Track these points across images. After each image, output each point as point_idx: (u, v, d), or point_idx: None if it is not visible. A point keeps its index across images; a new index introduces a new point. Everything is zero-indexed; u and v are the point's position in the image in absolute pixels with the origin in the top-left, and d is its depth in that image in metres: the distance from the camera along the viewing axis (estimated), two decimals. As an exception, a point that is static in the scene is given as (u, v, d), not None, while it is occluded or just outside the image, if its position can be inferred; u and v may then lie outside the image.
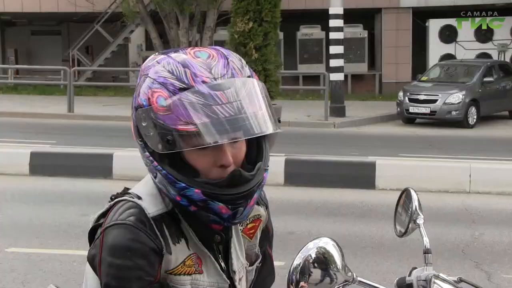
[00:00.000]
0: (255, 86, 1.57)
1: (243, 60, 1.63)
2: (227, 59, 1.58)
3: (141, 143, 1.59)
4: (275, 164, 9.88)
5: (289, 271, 1.72)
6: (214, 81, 1.52)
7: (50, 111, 18.95)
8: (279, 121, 1.67)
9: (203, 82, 1.52)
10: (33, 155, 10.44)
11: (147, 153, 1.59)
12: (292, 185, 9.60)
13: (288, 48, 26.08)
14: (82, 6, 25.13)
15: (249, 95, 1.53)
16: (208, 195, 1.55)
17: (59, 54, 30.60)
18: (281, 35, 23.20)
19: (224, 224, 1.62)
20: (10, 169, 10.24)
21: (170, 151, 1.53)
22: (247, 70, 1.60)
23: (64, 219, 7.64)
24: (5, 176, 10.08)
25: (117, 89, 24.55)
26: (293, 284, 1.71)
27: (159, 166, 1.57)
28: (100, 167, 10.14)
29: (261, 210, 1.82)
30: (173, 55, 1.59)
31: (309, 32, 26.80)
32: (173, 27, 22.34)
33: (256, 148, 1.63)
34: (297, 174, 9.82)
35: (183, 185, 1.55)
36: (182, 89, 1.52)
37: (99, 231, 1.62)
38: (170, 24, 22.35)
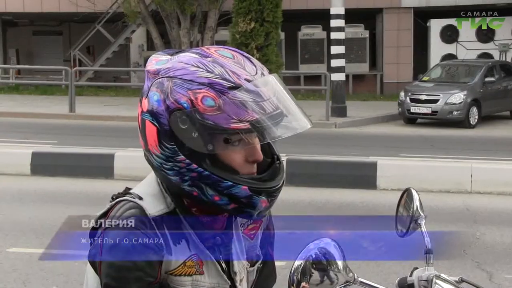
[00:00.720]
0: (278, 79, 1.62)
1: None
2: (249, 58, 1.61)
3: (172, 147, 1.56)
4: (276, 164, 9.88)
5: (290, 272, 1.72)
6: (255, 79, 1.55)
7: (52, 111, 18.95)
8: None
9: (246, 80, 1.54)
10: (35, 155, 10.45)
11: (181, 157, 1.56)
12: (293, 185, 9.59)
13: (289, 48, 26.08)
14: (84, 6, 25.14)
15: (282, 89, 1.59)
16: (254, 190, 1.57)
17: (61, 54, 30.63)
18: (282, 35, 23.20)
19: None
20: (11, 169, 10.25)
21: (223, 150, 1.54)
22: (266, 69, 1.63)
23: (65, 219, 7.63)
24: (6, 176, 10.08)
25: (118, 89, 24.56)
26: (294, 284, 1.71)
27: (199, 168, 1.56)
28: (101, 167, 10.14)
29: None
30: (193, 54, 1.58)
31: (310, 32, 26.80)
32: (174, 27, 22.34)
33: (267, 144, 1.66)
34: (298, 174, 9.81)
35: (230, 183, 1.56)
36: (231, 88, 1.52)
37: (99, 231, 1.62)
38: (172, 24, 22.36)
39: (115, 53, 27.08)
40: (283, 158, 9.21)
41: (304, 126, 1.58)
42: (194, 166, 1.55)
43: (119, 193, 1.67)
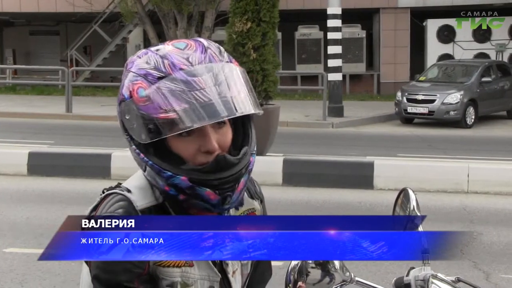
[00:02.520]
0: (234, 70, 1.59)
1: (221, 47, 1.65)
2: (205, 46, 1.61)
3: (127, 137, 1.62)
4: (273, 164, 9.90)
5: (287, 271, 1.72)
6: (191, 68, 1.55)
7: (48, 111, 18.94)
8: (262, 105, 1.72)
9: (180, 69, 1.55)
10: (31, 155, 10.44)
11: (133, 147, 1.62)
12: (290, 185, 9.60)
13: (286, 48, 26.08)
14: (80, 6, 25.11)
15: (227, 79, 1.56)
16: (194, 181, 1.56)
17: (57, 54, 30.59)
18: (279, 35, 23.19)
19: (215, 211, 1.62)
20: (8, 169, 10.24)
21: (153, 140, 1.55)
22: (225, 57, 1.62)
23: (63, 219, 7.62)
24: (3, 176, 10.08)
25: (115, 89, 24.48)
26: (291, 284, 1.72)
27: (145, 158, 1.59)
28: (98, 167, 10.14)
29: (255, 204, 1.84)
30: (152, 48, 1.63)
31: (307, 32, 26.79)
32: (171, 27, 22.34)
33: (243, 134, 1.65)
34: (295, 174, 9.82)
35: (170, 173, 1.57)
36: (160, 78, 1.54)
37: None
38: (169, 24, 22.35)
39: (112, 53, 27.05)
40: (280, 158, 9.20)
41: (243, 111, 1.54)
42: (141, 155, 1.60)
43: (110, 187, 1.69)
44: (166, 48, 1.61)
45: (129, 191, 1.65)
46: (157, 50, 1.61)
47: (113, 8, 25.76)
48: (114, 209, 1.61)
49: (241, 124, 1.65)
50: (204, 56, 1.58)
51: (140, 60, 1.60)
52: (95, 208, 1.66)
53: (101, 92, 24.12)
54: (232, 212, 1.76)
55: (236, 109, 1.54)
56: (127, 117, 1.59)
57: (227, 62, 1.61)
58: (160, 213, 1.64)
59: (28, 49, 31.33)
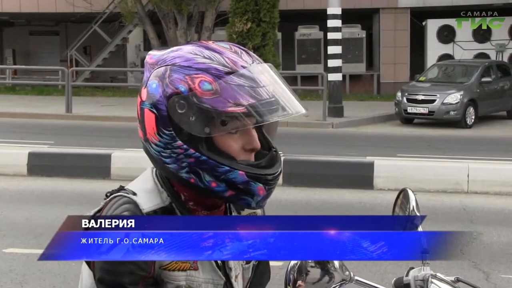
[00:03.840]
0: (275, 71, 1.65)
1: None
2: (243, 49, 1.65)
3: (170, 132, 1.59)
4: (273, 164, 9.89)
5: (287, 271, 1.72)
6: (251, 66, 1.59)
7: (48, 111, 18.94)
8: None
9: (242, 66, 1.58)
10: (31, 156, 10.44)
11: (178, 142, 1.58)
12: (290, 185, 9.59)
13: (286, 48, 26.07)
14: (80, 6, 25.11)
15: (278, 78, 1.62)
16: (251, 176, 1.59)
17: (57, 54, 30.59)
18: (279, 35, 23.21)
19: (254, 207, 1.66)
20: (8, 170, 10.24)
21: (219, 133, 1.57)
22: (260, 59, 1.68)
23: (62, 220, 7.61)
24: (3, 176, 10.08)
25: (115, 89, 24.54)
26: (291, 283, 1.72)
27: (196, 153, 1.58)
28: (98, 167, 10.14)
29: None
30: (191, 46, 1.64)
31: (307, 32, 26.79)
32: (171, 27, 22.34)
33: (261, 134, 1.68)
34: (296, 174, 9.82)
35: (227, 168, 1.58)
36: (228, 73, 1.56)
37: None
38: (168, 24, 22.36)
39: (112, 53, 27.05)
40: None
41: (298, 111, 1.61)
42: (191, 151, 1.58)
43: (113, 190, 1.68)
44: (213, 46, 1.63)
45: (134, 194, 1.64)
46: (204, 47, 1.62)
47: (113, 8, 25.76)
48: (119, 212, 1.60)
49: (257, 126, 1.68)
50: (252, 57, 1.62)
51: (191, 55, 1.60)
52: (99, 211, 1.66)
53: (101, 92, 24.12)
54: (234, 214, 1.77)
55: (297, 107, 1.61)
56: (181, 111, 1.56)
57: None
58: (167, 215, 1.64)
59: (28, 49, 31.34)
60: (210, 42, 1.65)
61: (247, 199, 1.61)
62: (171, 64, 1.60)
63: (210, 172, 1.58)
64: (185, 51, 1.61)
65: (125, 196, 1.63)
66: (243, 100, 1.54)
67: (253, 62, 1.60)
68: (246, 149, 1.61)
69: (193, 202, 1.67)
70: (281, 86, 1.61)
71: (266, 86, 1.57)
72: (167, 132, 1.59)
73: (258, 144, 1.61)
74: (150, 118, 1.61)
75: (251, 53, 1.65)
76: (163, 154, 1.61)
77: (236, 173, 1.58)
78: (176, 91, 1.57)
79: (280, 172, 1.66)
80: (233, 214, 1.77)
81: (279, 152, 1.70)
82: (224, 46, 1.63)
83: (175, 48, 1.65)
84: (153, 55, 1.66)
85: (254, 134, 1.61)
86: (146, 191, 1.65)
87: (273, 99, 1.56)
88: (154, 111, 1.59)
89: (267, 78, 1.58)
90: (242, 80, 1.55)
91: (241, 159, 1.60)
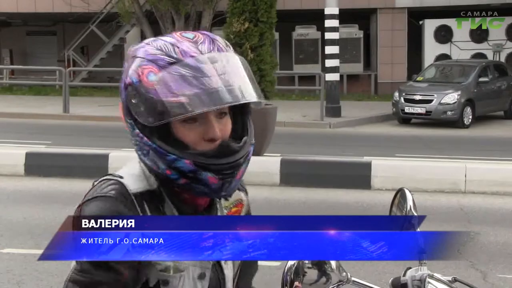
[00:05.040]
0: (240, 61, 1.66)
1: (226, 41, 1.70)
2: (211, 38, 1.67)
3: (130, 121, 1.65)
4: (271, 164, 9.90)
5: (284, 272, 1.73)
6: (201, 55, 1.60)
7: (46, 111, 18.92)
8: (266, 97, 1.79)
9: (191, 56, 1.60)
10: (29, 156, 10.43)
11: (136, 131, 1.64)
12: (287, 185, 9.60)
13: (284, 48, 26.08)
14: (78, 6, 25.09)
15: (234, 69, 1.62)
16: (198, 165, 1.60)
17: (55, 54, 30.58)
18: (276, 35, 23.18)
19: (212, 196, 1.67)
20: (5, 170, 10.24)
21: (160, 122, 1.59)
22: (231, 48, 1.68)
23: (60, 220, 7.56)
24: (0, 176, 10.07)
25: (112, 89, 24.50)
26: (288, 284, 1.72)
27: (149, 141, 1.62)
28: (96, 167, 10.11)
29: (242, 195, 1.87)
30: (161, 37, 1.69)
31: (304, 32, 26.80)
32: (168, 27, 22.33)
33: (242, 125, 1.70)
34: (293, 174, 9.82)
35: (174, 156, 1.61)
36: (172, 63, 1.59)
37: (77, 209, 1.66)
38: (166, 24, 22.35)
39: (109, 53, 27.04)
40: (277, 158, 9.19)
41: (249, 99, 1.61)
42: (146, 139, 1.63)
43: (100, 178, 1.71)
44: (176, 37, 1.66)
45: (121, 177, 1.67)
46: (166, 38, 1.67)
47: (110, 8, 25.74)
48: (107, 191, 1.63)
49: (240, 117, 1.70)
50: (213, 46, 1.63)
51: (149, 47, 1.65)
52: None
53: (98, 92, 24.10)
54: (222, 202, 1.79)
55: (241, 96, 1.59)
56: (133, 101, 1.62)
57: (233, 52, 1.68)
58: (154, 199, 1.66)
59: (25, 50, 31.31)
60: (179, 32, 1.68)
61: (201, 188, 1.62)
62: (134, 56, 1.66)
63: (162, 160, 1.62)
64: (147, 43, 1.68)
65: (112, 179, 1.67)
66: (184, 90, 1.56)
67: (211, 51, 1.62)
68: (205, 139, 1.62)
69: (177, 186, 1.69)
70: (236, 75, 1.61)
71: (213, 76, 1.57)
72: (128, 121, 1.66)
73: (217, 134, 1.62)
74: (120, 107, 1.69)
75: (217, 41, 1.66)
76: (132, 141, 1.68)
77: (182, 161, 1.60)
78: (130, 82, 1.63)
79: (238, 161, 1.63)
80: (221, 203, 1.79)
81: (251, 143, 1.69)
82: (187, 36, 1.65)
83: (149, 39, 1.71)
84: (132, 48, 1.71)
85: (213, 123, 1.62)
86: (132, 175, 1.69)
87: (219, 88, 1.57)
88: (121, 101, 1.68)
89: (219, 68, 1.59)
90: (186, 70, 1.57)
91: (200, 148, 1.62)
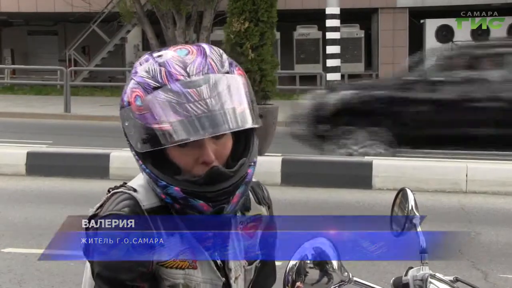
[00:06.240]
0: (233, 81, 1.57)
1: (224, 55, 1.63)
2: (206, 55, 1.58)
3: (128, 143, 1.63)
4: (272, 164, 9.89)
5: (285, 271, 1.72)
6: (187, 79, 1.53)
7: (47, 111, 18.93)
8: (261, 117, 1.67)
9: (177, 80, 1.53)
10: (30, 155, 10.43)
11: (133, 152, 1.62)
12: (288, 185, 9.60)
13: (285, 48, 26.08)
14: (79, 6, 25.10)
15: (224, 91, 1.54)
16: (187, 192, 1.56)
17: (56, 54, 30.57)
18: (277, 35, 23.18)
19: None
20: (6, 169, 10.24)
21: (146, 150, 1.55)
22: (226, 65, 1.60)
23: (61, 220, 7.59)
24: (1, 176, 10.07)
25: (113, 89, 24.51)
26: (289, 284, 1.72)
27: (143, 165, 1.60)
28: (97, 167, 10.13)
29: (262, 210, 1.81)
30: (154, 54, 1.62)
31: (305, 32, 26.80)
32: (170, 27, 22.32)
33: (244, 144, 1.63)
34: (294, 174, 9.82)
35: (164, 183, 1.57)
36: (156, 88, 1.54)
37: (92, 221, 1.63)
38: (167, 24, 22.34)
39: (110, 53, 27.04)
40: (278, 158, 9.13)
41: (239, 125, 1.53)
42: (140, 162, 1.61)
43: (115, 186, 1.69)
44: (167, 54, 1.59)
45: (135, 190, 1.64)
46: (158, 56, 1.60)
47: (112, 8, 25.74)
48: (120, 208, 1.60)
49: (243, 134, 1.62)
50: (203, 66, 1.55)
51: (141, 68, 1.60)
52: (101, 206, 1.66)
53: (100, 92, 24.10)
54: (238, 216, 1.75)
55: (230, 124, 1.52)
56: (126, 124, 1.59)
57: (226, 72, 1.58)
58: (165, 214, 1.63)
59: (26, 49, 31.31)
60: (173, 48, 1.61)
61: (195, 213, 1.58)
62: (131, 75, 1.62)
63: (155, 184, 1.59)
64: (141, 62, 1.62)
65: (126, 193, 1.64)
66: (169, 117, 1.50)
67: (199, 72, 1.54)
68: (199, 162, 1.57)
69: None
70: (226, 98, 1.53)
71: (199, 101, 1.50)
72: (127, 142, 1.63)
73: (209, 158, 1.55)
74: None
75: (211, 60, 1.57)
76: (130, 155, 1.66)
77: (172, 188, 1.56)
78: (122, 104, 1.60)
79: (231, 188, 1.56)
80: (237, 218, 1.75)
81: (250, 164, 1.61)
82: (180, 53, 1.58)
83: (147, 56, 1.65)
84: (137, 61, 1.68)
85: (207, 146, 1.55)
86: (145, 189, 1.65)
87: (204, 114, 1.49)
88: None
89: (205, 91, 1.51)
90: (169, 95, 1.51)
91: (196, 172, 1.56)
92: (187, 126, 1.50)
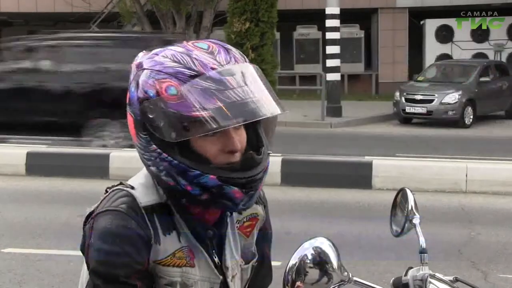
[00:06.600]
0: (258, 71, 1.62)
1: (240, 51, 1.66)
2: (226, 48, 1.62)
3: (145, 136, 1.59)
4: (272, 164, 9.85)
5: (285, 271, 1.72)
6: (221, 68, 1.55)
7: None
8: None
9: (212, 68, 1.55)
10: (29, 155, 10.44)
11: (153, 146, 1.59)
12: (288, 185, 9.60)
13: (285, 48, 26.09)
14: (79, 6, 25.11)
15: (254, 79, 1.58)
16: (223, 180, 1.56)
17: (56, 54, 30.52)
18: (277, 35, 23.22)
19: (236, 210, 1.64)
20: (6, 169, 10.24)
21: (184, 138, 1.54)
22: (245, 58, 1.64)
23: (61, 220, 7.64)
24: (1, 176, 10.08)
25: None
26: (289, 284, 1.72)
27: (169, 157, 1.57)
28: (96, 167, 10.13)
29: (258, 209, 1.82)
30: (172, 47, 1.62)
31: (305, 32, 26.81)
32: (169, 27, 22.33)
33: (255, 135, 1.65)
34: (294, 174, 9.82)
35: (198, 172, 1.56)
36: (193, 77, 1.54)
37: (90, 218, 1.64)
38: (167, 24, 22.35)
39: (110, 53, 27.00)
40: (278, 158, 9.18)
41: (273, 112, 1.57)
42: (164, 155, 1.58)
43: (113, 185, 1.69)
44: (189, 47, 1.61)
45: (132, 188, 1.65)
46: (179, 48, 1.61)
47: (111, 8, 25.74)
48: (117, 204, 1.60)
49: (251, 126, 1.64)
50: (230, 57, 1.59)
51: (163, 59, 1.59)
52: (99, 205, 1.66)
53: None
54: (235, 215, 1.76)
55: (268, 109, 1.56)
56: (150, 116, 1.56)
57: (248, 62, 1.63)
58: (163, 212, 1.63)
59: (26, 49, 31.28)
60: (191, 42, 1.63)
61: (225, 203, 1.59)
62: (146, 68, 1.60)
63: (183, 175, 1.57)
64: (159, 54, 1.61)
65: (123, 190, 1.64)
66: (209, 104, 1.51)
67: (229, 62, 1.57)
68: (225, 151, 1.58)
69: (186, 200, 1.65)
70: (257, 87, 1.57)
71: (236, 88, 1.53)
72: (143, 136, 1.60)
73: (237, 146, 1.58)
74: (130, 121, 1.63)
75: (232, 51, 1.62)
76: (144, 156, 1.62)
77: (207, 177, 1.56)
78: (146, 96, 1.57)
79: (260, 174, 1.60)
80: (233, 217, 1.76)
81: (269, 153, 1.65)
82: (202, 46, 1.60)
83: (157, 50, 1.64)
84: (137, 58, 1.66)
85: (234, 135, 1.57)
86: (144, 186, 1.65)
87: (243, 101, 1.52)
88: (132, 115, 1.62)
89: (240, 79, 1.55)
90: (208, 83, 1.52)
91: (220, 161, 1.57)
92: (228, 112, 1.51)
